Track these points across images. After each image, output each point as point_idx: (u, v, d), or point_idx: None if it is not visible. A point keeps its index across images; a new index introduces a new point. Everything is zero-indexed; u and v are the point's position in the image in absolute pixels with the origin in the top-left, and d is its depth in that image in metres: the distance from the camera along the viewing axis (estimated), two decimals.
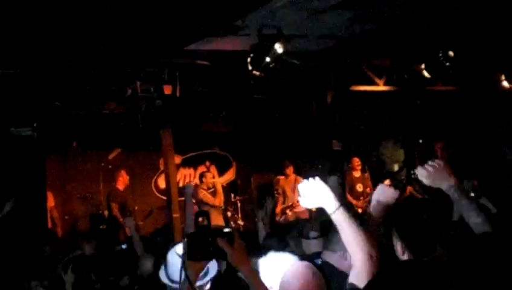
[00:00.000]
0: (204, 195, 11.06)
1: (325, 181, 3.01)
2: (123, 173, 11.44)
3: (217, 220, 10.87)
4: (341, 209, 2.90)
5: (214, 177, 12.28)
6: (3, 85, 8.18)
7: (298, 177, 11.60)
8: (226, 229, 2.93)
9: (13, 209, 7.59)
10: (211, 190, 11.37)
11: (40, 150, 8.75)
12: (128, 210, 11.09)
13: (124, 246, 7.56)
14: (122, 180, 11.32)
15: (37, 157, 8.57)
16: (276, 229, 7.72)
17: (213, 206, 10.91)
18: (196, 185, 11.42)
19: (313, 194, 2.99)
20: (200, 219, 2.91)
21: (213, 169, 13.39)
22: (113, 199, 11.01)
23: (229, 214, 11.36)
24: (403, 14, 8.06)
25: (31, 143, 8.43)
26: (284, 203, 11.68)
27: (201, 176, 11.69)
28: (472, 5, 7.80)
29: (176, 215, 10.75)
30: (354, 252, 2.87)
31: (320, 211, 3.04)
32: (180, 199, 11.40)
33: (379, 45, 9.63)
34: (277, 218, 11.45)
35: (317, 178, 3.03)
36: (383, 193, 3.39)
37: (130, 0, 7.08)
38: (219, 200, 11.04)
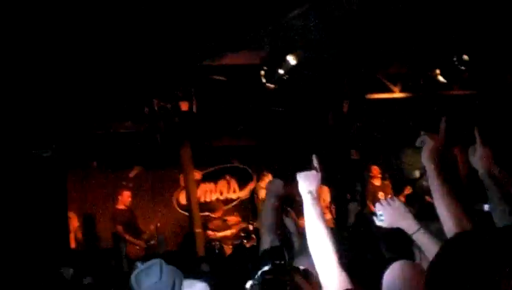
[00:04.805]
0: None
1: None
2: (124, 192, 11.36)
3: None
4: (422, 230, 2.88)
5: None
6: (23, 107, 8.30)
7: (323, 186, 11.60)
8: (301, 267, 2.91)
9: (35, 232, 7.70)
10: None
11: (61, 170, 8.84)
12: (135, 227, 11.08)
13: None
14: (121, 200, 11.15)
15: (57, 179, 8.66)
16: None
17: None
18: None
19: (393, 214, 2.98)
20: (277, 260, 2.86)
21: (233, 183, 13.43)
22: (115, 220, 10.93)
23: (250, 227, 11.36)
24: (416, 19, 8.04)
25: (51, 164, 8.52)
26: None
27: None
28: (485, 7, 7.76)
29: (198, 230, 10.81)
30: None
31: None
32: (201, 214, 11.46)
33: (393, 52, 9.59)
34: None
35: (395, 198, 3.03)
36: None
37: (145, 18, 7.17)
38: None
